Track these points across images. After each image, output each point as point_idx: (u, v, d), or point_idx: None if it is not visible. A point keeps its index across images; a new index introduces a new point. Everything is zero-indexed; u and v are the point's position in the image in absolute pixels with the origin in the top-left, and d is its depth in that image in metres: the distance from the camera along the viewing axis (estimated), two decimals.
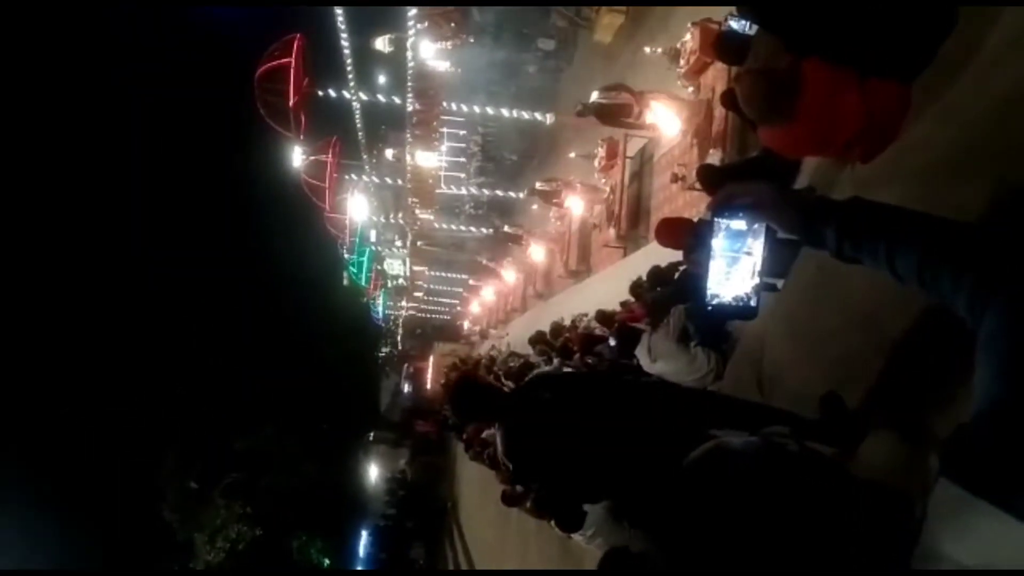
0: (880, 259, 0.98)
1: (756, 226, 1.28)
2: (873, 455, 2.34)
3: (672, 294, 5.10)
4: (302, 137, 15.69)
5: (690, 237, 4.19)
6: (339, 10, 11.84)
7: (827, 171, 3.63)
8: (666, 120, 7.51)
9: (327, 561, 29.35)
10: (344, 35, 12.34)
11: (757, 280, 1.33)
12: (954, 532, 0.68)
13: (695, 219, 5.38)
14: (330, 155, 16.99)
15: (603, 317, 7.52)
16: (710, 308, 1.35)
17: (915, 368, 2.18)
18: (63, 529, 30.32)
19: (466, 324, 27.91)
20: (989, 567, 0.63)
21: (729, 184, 1.25)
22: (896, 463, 2.08)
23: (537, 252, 15.59)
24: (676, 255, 5.36)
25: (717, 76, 6.81)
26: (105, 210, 39.50)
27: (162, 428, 30.04)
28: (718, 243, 1.30)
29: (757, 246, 1.30)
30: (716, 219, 1.28)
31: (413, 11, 11.18)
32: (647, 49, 8.38)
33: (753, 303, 1.34)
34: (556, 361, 8.80)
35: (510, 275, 20.09)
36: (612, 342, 5.89)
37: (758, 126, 3.39)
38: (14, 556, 28.00)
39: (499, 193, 17.39)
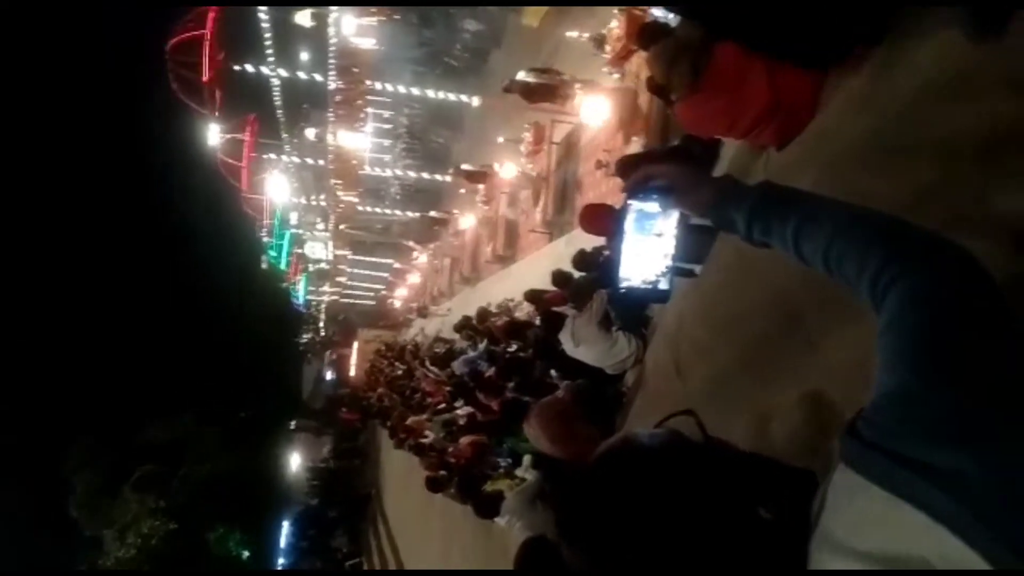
0: (788, 242, 0.99)
1: (669, 209, 1.26)
2: (779, 433, 2.41)
3: (595, 279, 5.15)
4: (217, 114, 14.96)
5: (612, 222, 4.22)
6: None
7: (744, 159, 3.73)
8: (593, 107, 7.58)
9: (247, 553, 28.52)
10: (262, 7, 11.81)
11: (669, 263, 1.32)
12: (849, 518, 0.69)
13: (618, 206, 5.44)
14: (247, 133, 16.31)
15: (533, 295, 7.49)
16: (622, 291, 1.33)
17: (827, 350, 2.25)
18: None
19: (399, 304, 27.40)
20: (883, 554, 0.64)
21: (645, 165, 1.23)
22: (802, 443, 2.14)
23: (465, 235, 15.52)
24: (601, 240, 5.41)
25: (642, 63, 6.88)
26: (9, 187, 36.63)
27: (68, 418, 28.38)
28: (631, 225, 1.28)
29: (669, 228, 1.29)
30: (629, 201, 1.26)
31: None
32: (574, 34, 8.39)
33: (664, 286, 1.34)
34: (481, 346, 8.80)
35: (437, 260, 19.93)
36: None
37: (672, 100, 3.46)
38: None
39: (425, 176, 17.15)
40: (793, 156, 3.00)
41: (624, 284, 1.32)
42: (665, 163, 1.22)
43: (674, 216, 1.28)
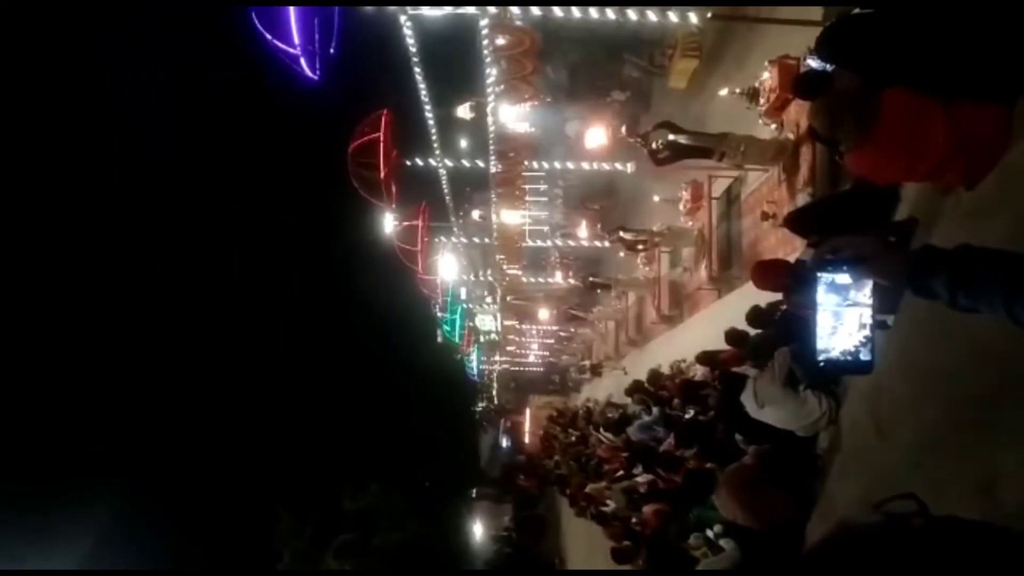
0: (998, 308, 0.97)
1: (861, 279, 1.28)
2: (1009, 498, 2.20)
3: (775, 336, 4.98)
4: (393, 206, 16.45)
5: (788, 278, 4.11)
6: (422, 84, 12.55)
7: (929, 202, 3.52)
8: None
9: None
10: (428, 106, 13.02)
11: (868, 332, 1.31)
12: None
13: (791, 259, 5.26)
14: (420, 220, 17.70)
15: (706, 357, 7.29)
16: (822, 365, 1.34)
17: None
18: None
19: (569, 365, 27.71)
20: None
21: (832, 238, 1.29)
22: None
23: (628, 299, 15.55)
24: (773, 296, 5.24)
25: (800, 111, 6.71)
26: (224, 275, 42.49)
27: (276, 491, 31.27)
28: (823, 297, 1.30)
29: (863, 297, 1.30)
30: (819, 273, 1.29)
31: (492, 76, 11.71)
32: (724, 91, 8.37)
33: (865, 356, 1.32)
34: (655, 411, 8.66)
35: (600, 324, 19.98)
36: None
37: (843, 152, 3.37)
38: None
39: (584, 243, 17.56)
40: (985, 196, 2.81)
41: (823, 357, 1.33)
42: (851, 235, 1.26)
43: (868, 284, 1.29)
